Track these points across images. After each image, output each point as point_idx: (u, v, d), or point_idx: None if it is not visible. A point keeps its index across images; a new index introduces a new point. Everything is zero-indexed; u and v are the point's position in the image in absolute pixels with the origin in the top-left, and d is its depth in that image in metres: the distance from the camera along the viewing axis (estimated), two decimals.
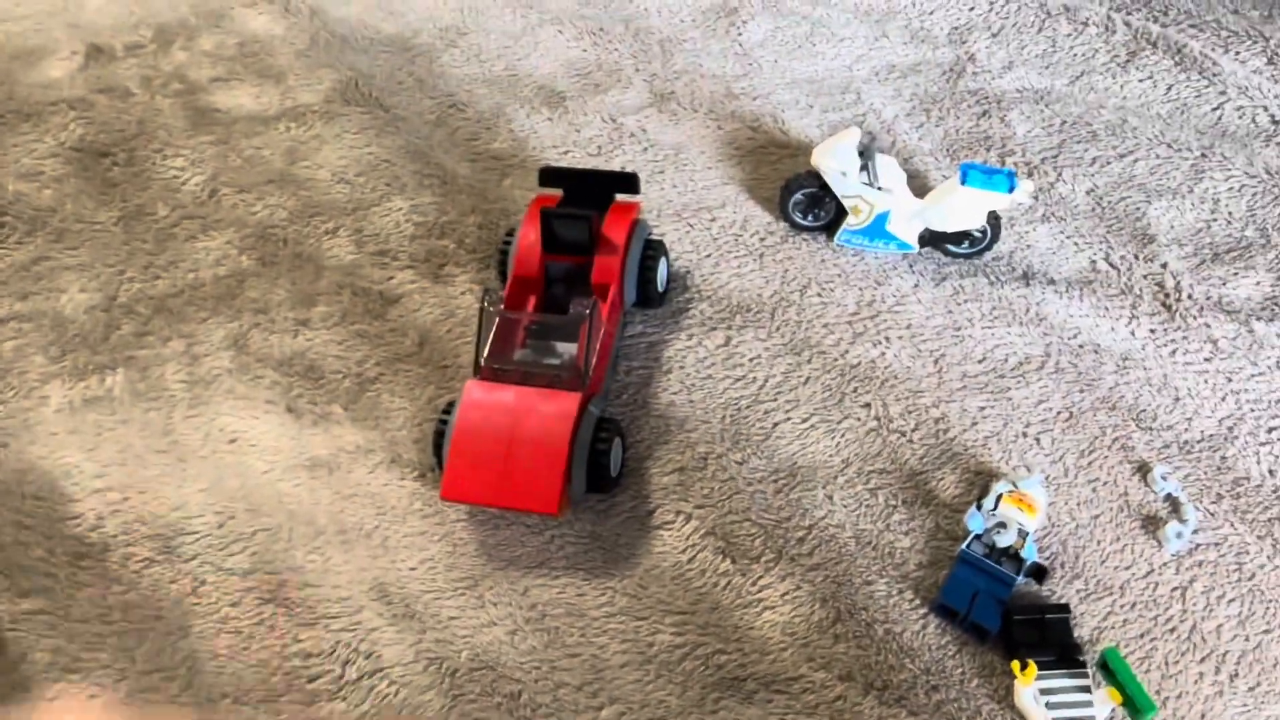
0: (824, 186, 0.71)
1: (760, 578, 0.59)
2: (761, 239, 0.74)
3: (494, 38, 0.91)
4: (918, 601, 0.58)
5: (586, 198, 0.67)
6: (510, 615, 0.58)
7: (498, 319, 0.62)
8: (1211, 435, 0.65)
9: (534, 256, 0.66)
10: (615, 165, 0.79)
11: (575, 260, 0.66)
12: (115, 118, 0.84)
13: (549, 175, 0.68)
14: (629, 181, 0.67)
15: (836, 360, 0.67)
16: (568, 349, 0.63)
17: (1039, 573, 0.56)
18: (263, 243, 0.76)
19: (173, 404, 0.68)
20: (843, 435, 0.64)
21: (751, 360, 0.67)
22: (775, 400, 0.66)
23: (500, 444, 0.59)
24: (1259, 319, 0.70)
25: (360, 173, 0.80)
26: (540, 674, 0.56)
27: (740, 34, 0.91)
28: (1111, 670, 0.51)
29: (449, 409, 0.61)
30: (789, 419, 0.65)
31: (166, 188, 0.80)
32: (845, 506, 0.61)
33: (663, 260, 0.69)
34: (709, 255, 0.73)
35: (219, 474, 0.64)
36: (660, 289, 0.69)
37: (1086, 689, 0.53)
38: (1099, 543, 0.60)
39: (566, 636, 0.58)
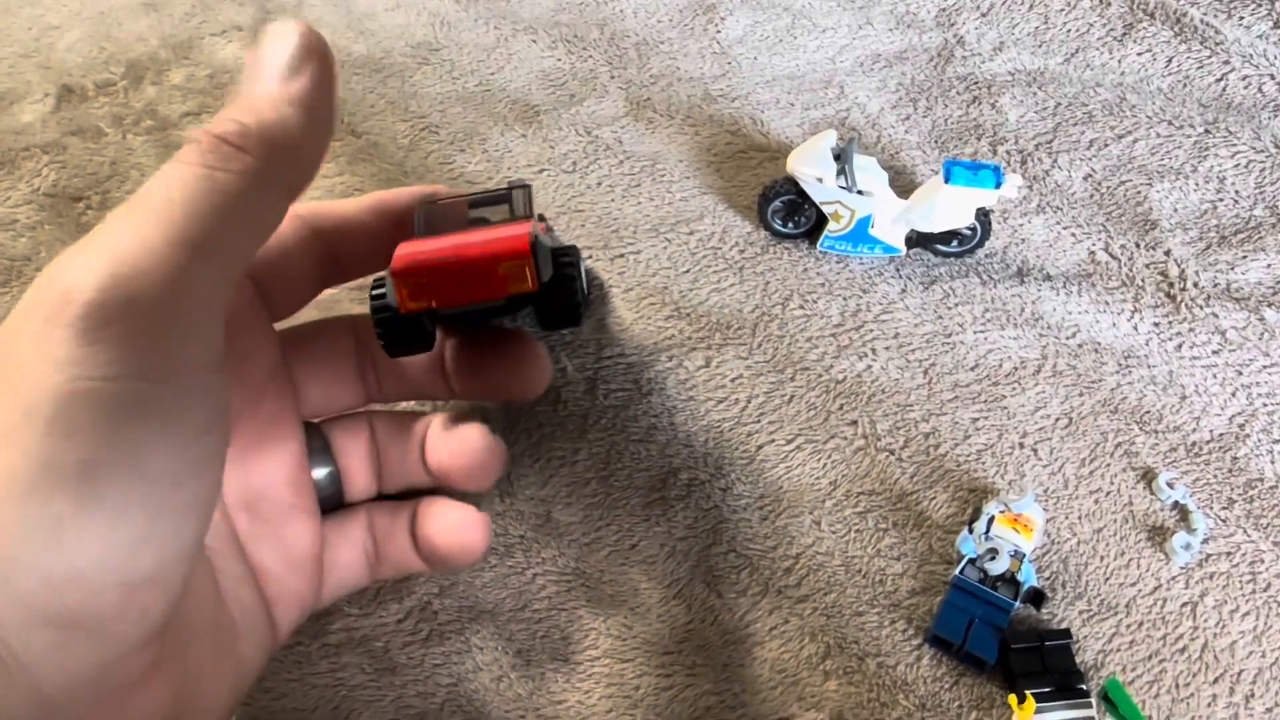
0: (802, 193, 0.68)
1: (747, 612, 0.57)
2: (741, 250, 0.71)
3: (467, 52, 0.89)
4: (911, 632, 0.55)
5: None
6: (496, 661, 0.57)
7: (425, 211, 0.53)
8: (1221, 435, 0.62)
9: None
10: (591, 180, 0.77)
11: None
12: (88, 160, 0.83)
13: None
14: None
15: (821, 376, 0.65)
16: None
17: (1036, 598, 0.54)
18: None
19: None
20: (829, 456, 0.62)
21: (733, 380, 0.65)
22: (759, 422, 0.63)
23: (452, 238, 0.48)
24: (1270, 305, 0.67)
25: None
26: None
27: (719, 31, 0.88)
28: (1115, 704, 0.49)
29: (381, 281, 0.49)
30: (773, 440, 0.63)
31: None
32: (834, 532, 0.59)
33: (579, 264, 0.61)
34: (687, 271, 0.70)
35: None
36: (585, 292, 0.64)
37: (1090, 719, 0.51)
38: (1102, 559, 0.57)
39: (550, 682, 0.56)
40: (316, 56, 0.40)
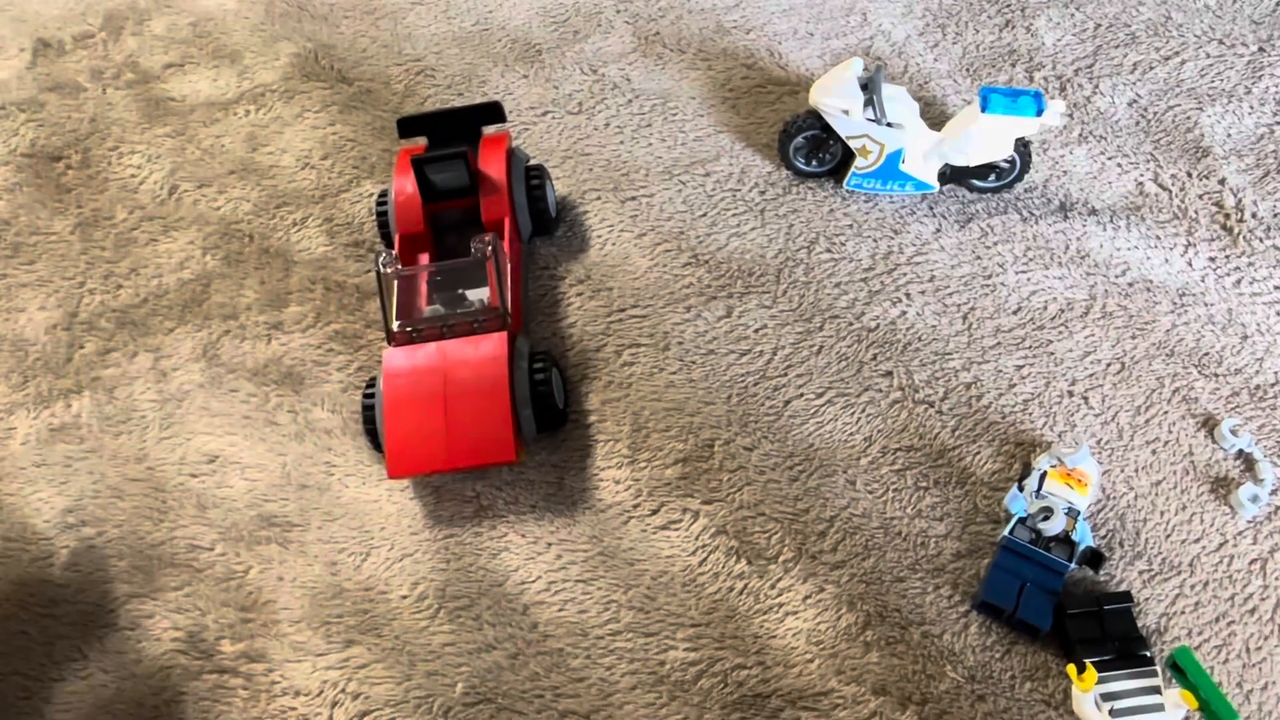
0: (827, 128, 0.63)
1: (779, 579, 0.53)
2: (762, 191, 0.66)
3: None
4: (957, 598, 0.51)
5: (453, 138, 0.64)
6: (511, 637, 0.53)
7: (396, 280, 0.59)
8: None
9: (415, 209, 0.62)
10: (599, 122, 0.72)
11: (460, 204, 0.63)
12: (67, 117, 0.79)
13: (408, 124, 0.64)
14: (493, 111, 0.64)
15: (851, 324, 0.60)
16: (478, 293, 0.60)
17: (1094, 559, 0.49)
18: (227, 240, 0.71)
19: (144, 426, 0.63)
20: (863, 410, 0.57)
21: (757, 331, 0.61)
22: (785, 375, 0.59)
23: (436, 404, 0.55)
24: None
25: (326, 155, 0.74)
26: (544, 703, 0.51)
27: None
28: (1184, 672, 0.45)
29: (372, 384, 0.58)
30: (802, 395, 0.58)
31: (124, 188, 0.74)
32: (870, 492, 0.55)
33: (548, 184, 0.65)
34: (704, 214, 0.66)
35: (200, 500, 0.60)
36: (553, 214, 0.66)
37: (1155, 689, 0.46)
38: (1162, 514, 0.53)
39: (571, 659, 0.52)
40: None
